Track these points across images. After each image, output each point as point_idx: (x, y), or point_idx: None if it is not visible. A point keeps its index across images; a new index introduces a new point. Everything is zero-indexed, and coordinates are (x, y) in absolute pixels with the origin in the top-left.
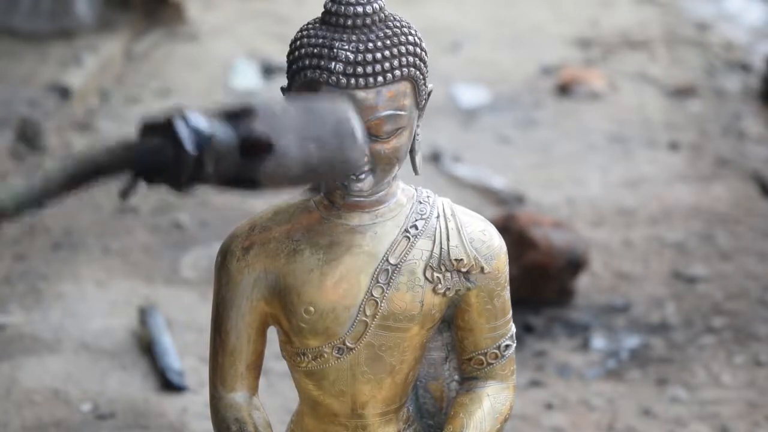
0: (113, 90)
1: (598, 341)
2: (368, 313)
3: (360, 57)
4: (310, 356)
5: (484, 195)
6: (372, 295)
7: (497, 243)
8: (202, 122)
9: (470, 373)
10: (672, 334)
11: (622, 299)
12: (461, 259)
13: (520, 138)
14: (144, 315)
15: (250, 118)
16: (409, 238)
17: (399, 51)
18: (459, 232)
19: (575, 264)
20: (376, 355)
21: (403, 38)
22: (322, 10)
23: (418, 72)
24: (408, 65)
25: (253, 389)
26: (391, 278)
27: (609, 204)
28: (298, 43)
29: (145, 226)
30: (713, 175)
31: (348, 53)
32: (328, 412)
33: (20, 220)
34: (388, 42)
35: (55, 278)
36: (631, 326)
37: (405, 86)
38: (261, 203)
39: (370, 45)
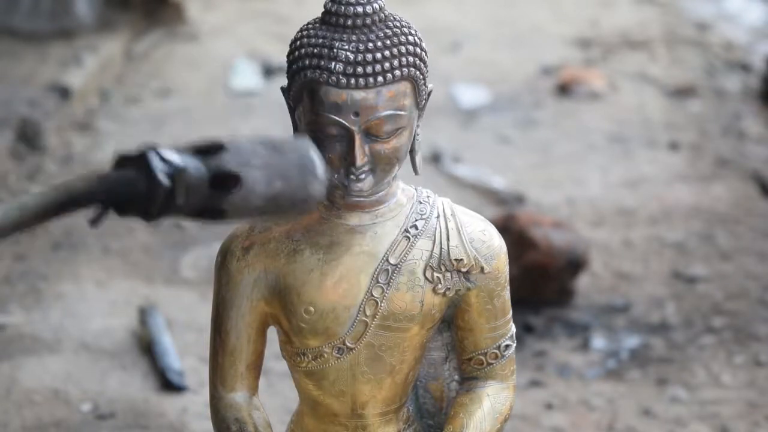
0: (113, 90)
1: (598, 341)
2: (368, 313)
3: (360, 57)
4: (310, 356)
5: (484, 195)
6: (372, 295)
7: (497, 243)
8: (174, 156)
9: (470, 373)
10: (672, 334)
11: (622, 299)
12: (461, 259)
13: (520, 138)
14: (144, 315)
15: (220, 153)
16: (409, 238)
17: (399, 51)
18: (459, 232)
19: (575, 264)
20: (376, 355)
21: (403, 38)
22: (322, 10)
23: (418, 72)
24: (408, 65)
25: (253, 389)
26: (391, 278)
27: (609, 204)
28: (298, 43)
29: (145, 226)
30: (713, 175)
31: (348, 53)
32: (328, 412)
33: None
34: (388, 42)
35: (55, 278)
36: (631, 326)
37: (405, 86)
38: None
39: (370, 45)
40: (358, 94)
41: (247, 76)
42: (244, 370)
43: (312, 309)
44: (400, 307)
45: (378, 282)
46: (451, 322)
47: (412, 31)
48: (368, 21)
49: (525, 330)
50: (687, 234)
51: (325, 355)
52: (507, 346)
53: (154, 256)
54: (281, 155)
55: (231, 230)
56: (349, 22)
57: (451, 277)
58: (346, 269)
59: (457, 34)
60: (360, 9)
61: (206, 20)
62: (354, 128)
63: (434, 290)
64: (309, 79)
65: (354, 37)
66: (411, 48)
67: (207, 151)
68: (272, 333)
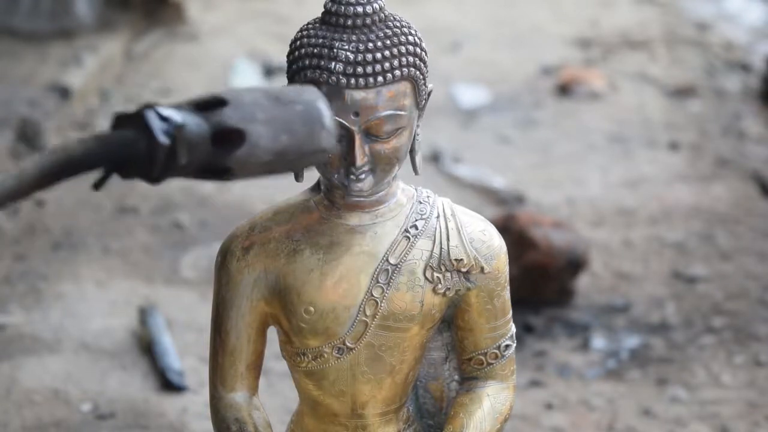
0: (113, 90)
1: (598, 341)
2: (368, 313)
3: (360, 57)
4: (310, 356)
5: (484, 195)
6: (372, 295)
7: (497, 243)
8: (173, 113)
9: (470, 373)
10: (672, 334)
11: (622, 299)
12: (461, 259)
13: (520, 138)
14: (144, 315)
15: (221, 108)
16: (409, 238)
17: (399, 51)
18: (459, 232)
19: (575, 264)
20: (376, 355)
21: (403, 38)
22: (322, 10)
23: (418, 72)
24: (408, 65)
25: (253, 389)
26: (391, 278)
27: (609, 204)
28: (298, 43)
29: (145, 226)
30: (713, 175)
31: (348, 53)
32: (328, 412)
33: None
34: (388, 42)
35: (55, 278)
36: (631, 326)
37: (405, 86)
38: (261, 203)
39: (370, 45)
40: (358, 94)
41: (247, 76)
42: (244, 370)
43: (312, 309)
44: (400, 307)
45: (378, 282)
46: (451, 322)
47: (412, 31)
48: (368, 21)
49: (525, 330)
50: (687, 234)
51: (325, 355)
52: (507, 346)
53: (154, 256)
54: (286, 106)
55: (231, 230)
56: (349, 22)
57: (451, 277)
58: (346, 269)
59: (457, 34)
60: (360, 9)
61: (206, 20)
62: (354, 128)
63: (434, 290)
64: (309, 79)
65: (354, 37)
66: (411, 48)
67: (207, 106)
68: (272, 333)
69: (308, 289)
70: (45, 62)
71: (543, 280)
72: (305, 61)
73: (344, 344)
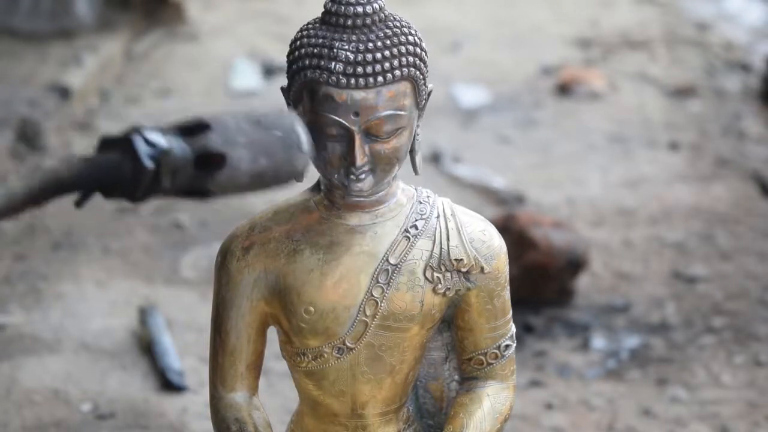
0: (113, 90)
1: (598, 341)
2: (368, 313)
3: (360, 57)
4: (310, 356)
5: (484, 195)
6: (372, 295)
7: (497, 243)
8: (158, 138)
9: (470, 373)
10: (672, 334)
11: (622, 299)
12: (461, 259)
13: (520, 138)
14: (144, 315)
15: (205, 133)
16: (409, 238)
17: (399, 51)
18: (459, 232)
19: (575, 264)
20: (376, 355)
21: (403, 38)
22: (322, 10)
23: (418, 72)
24: (408, 65)
25: (253, 389)
26: (391, 278)
27: (609, 204)
28: (298, 43)
29: (145, 226)
30: (713, 175)
31: (348, 53)
32: (328, 412)
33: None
34: (388, 42)
35: (55, 278)
36: (631, 326)
37: (405, 86)
38: (261, 203)
39: (370, 45)
40: (358, 94)
41: (247, 76)
42: (244, 370)
43: (312, 309)
44: (400, 307)
45: (378, 282)
46: (451, 322)
47: (412, 31)
48: (368, 21)
49: (525, 330)
50: (687, 234)
51: (325, 355)
52: (507, 346)
53: (154, 256)
54: (266, 131)
55: (231, 230)
56: (349, 22)
57: (451, 277)
58: (346, 269)
59: (457, 34)
60: (360, 9)
61: (206, 20)
62: (354, 128)
63: (434, 290)
64: (309, 79)
65: (354, 37)
66: (411, 48)
67: (192, 130)
68: (272, 333)
69: (308, 289)
70: (45, 62)
71: (543, 280)
72: (305, 61)
73: (344, 344)
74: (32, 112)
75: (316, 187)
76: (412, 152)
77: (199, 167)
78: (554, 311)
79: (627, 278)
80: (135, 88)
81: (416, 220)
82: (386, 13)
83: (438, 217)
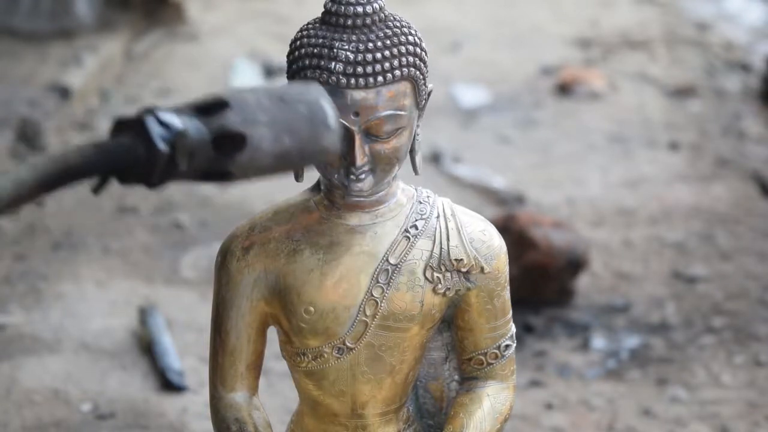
0: (113, 90)
1: (598, 341)
2: (368, 313)
3: (360, 57)
4: (310, 356)
5: (484, 195)
6: (372, 295)
7: (497, 243)
8: (173, 119)
9: (470, 373)
10: (672, 334)
11: (622, 299)
12: (461, 259)
13: (520, 138)
14: (144, 315)
15: (223, 111)
16: (409, 238)
17: (399, 51)
18: (459, 232)
19: (575, 264)
20: (376, 355)
21: (403, 38)
22: (322, 10)
23: (418, 72)
24: (408, 65)
25: (253, 389)
26: (391, 278)
27: (609, 204)
28: (298, 43)
29: (145, 226)
30: (713, 175)
31: (348, 53)
32: (328, 412)
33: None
34: (388, 42)
35: (55, 278)
36: (631, 326)
37: (405, 86)
38: (261, 203)
39: (370, 45)
40: (358, 94)
41: (247, 76)
42: (244, 370)
43: (312, 309)
44: (400, 307)
45: (378, 282)
46: (451, 322)
47: (412, 31)
48: (368, 21)
49: (525, 330)
50: (687, 234)
51: (325, 355)
52: (507, 346)
53: (154, 256)
54: (289, 107)
55: (231, 230)
56: (349, 22)
57: (451, 277)
58: (346, 269)
59: (457, 34)
60: (360, 9)
61: (206, 20)
62: (354, 128)
63: (434, 290)
64: (309, 79)
65: (354, 37)
66: (411, 48)
67: (209, 109)
68: (272, 333)
69: (308, 289)
70: (45, 62)
71: (543, 280)
72: (305, 61)
73: (344, 344)
74: (32, 112)
75: (316, 187)
76: (412, 152)
77: (217, 148)
78: (554, 311)
79: (627, 278)
80: (135, 88)
81: (416, 220)
82: (386, 13)
83: (438, 217)
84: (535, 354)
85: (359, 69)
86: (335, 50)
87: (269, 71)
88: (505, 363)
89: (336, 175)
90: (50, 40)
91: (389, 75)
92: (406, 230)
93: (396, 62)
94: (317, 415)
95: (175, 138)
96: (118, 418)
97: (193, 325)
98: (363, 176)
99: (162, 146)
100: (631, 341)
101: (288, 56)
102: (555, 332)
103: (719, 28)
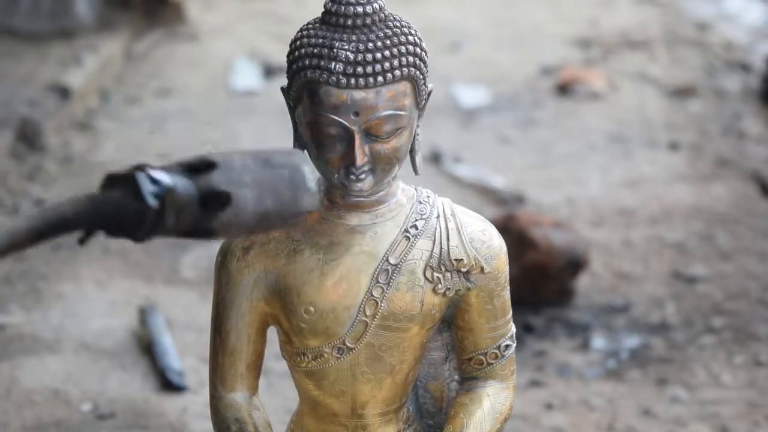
0: (113, 90)
1: (598, 341)
2: (368, 313)
3: (360, 57)
4: (310, 356)
5: (484, 195)
6: (372, 295)
7: (497, 243)
8: (163, 176)
9: (470, 373)
10: (672, 334)
11: (622, 299)
12: (461, 259)
13: (520, 138)
14: (144, 315)
15: (210, 172)
16: (409, 238)
17: (399, 51)
18: (459, 232)
19: (575, 264)
20: (376, 355)
21: (403, 38)
22: (322, 10)
23: (418, 72)
24: (408, 65)
25: (253, 389)
26: (391, 278)
27: (609, 204)
28: (298, 43)
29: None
30: (713, 175)
31: (348, 53)
32: (328, 412)
33: None
34: (388, 42)
35: (55, 278)
36: (631, 326)
37: (405, 86)
38: None
39: (370, 45)
40: (358, 94)
41: (247, 76)
42: (244, 370)
43: (312, 309)
44: (400, 307)
45: (378, 282)
46: (451, 322)
47: (412, 31)
48: (368, 21)
49: (525, 330)
50: (687, 234)
51: (325, 355)
52: (507, 346)
53: (154, 256)
54: (272, 170)
55: None
56: (349, 22)
57: (451, 277)
58: (346, 269)
59: (457, 34)
60: (360, 9)
61: (206, 20)
62: (354, 128)
63: (434, 290)
64: (309, 79)
65: (354, 37)
66: (411, 48)
67: (197, 168)
68: (272, 333)
69: (308, 289)
70: (45, 62)
71: (543, 280)
72: (305, 61)
73: (344, 344)
74: (32, 112)
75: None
76: (412, 152)
77: (203, 206)
78: (554, 311)
79: (627, 278)
80: (135, 88)
81: (416, 220)
82: (386, 13)
83: (438, 217)
84: (535, 354)
85: (359, 69)
86: (335, 50)
87: (269, 71)
88: (505, 363)
89: (336, 175)
90: (50, 40)
91: (389, 75)
92: (406, 230)
93: (396, 62)
94: (317, 415)
95: (165, 194)
96: (118, 418)
97: (193, 325)
98: (363, 176)
99: (152, 202)
100: (631, 341)
101: (288, 56)
102: (555, 332)
103: (719, 28)
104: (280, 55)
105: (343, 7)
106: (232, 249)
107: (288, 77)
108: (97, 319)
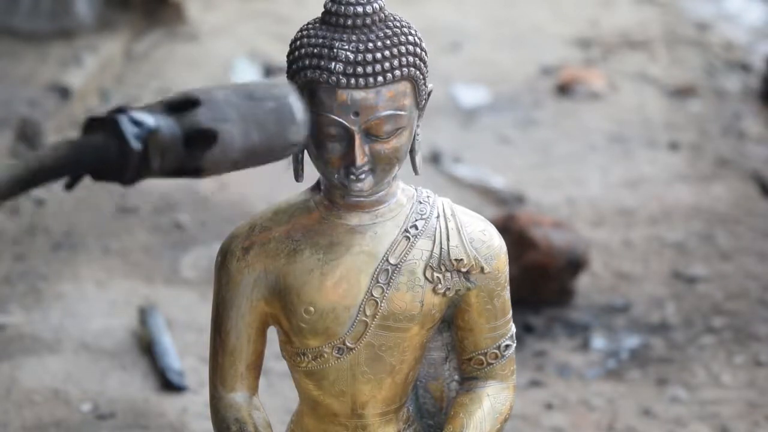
0: (113, 90)
1: (598, 341)
2: (368, 313)
3: (360, 57)
4: (310, 356)
5: (484, 195)
6: (372, 295)
7: (497, 243)
8: (145, 117)
9: (470, 373)
10: (672, 334)
11: (622, 299)
12: (461, 259)
13: (520, 138)
14: (144, 315)
15: (194, 109)
16: (409, 238)
17: (399, 51)
18: (459, 232)
19: (575, 264)
20: (376, 355)
21: (403, 38)
22: (322, 10)
23: (418, 72)
24: (408, 65)
25: (253, 389)
26: (391, 278)
27: (609, 204)
28: (298, 43)
29: (145, 226)
30: (713, 175)
31: (348, 53)
32: (328, 412)
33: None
34: (388, 42)
35: (55, 278)
36: (631, 326)
37: (405, 86)
38: (261, 203)
39: (370, 45)
40: (358, 94)
41: (247, 76)
42: (244, 370)
43: (312, 309)
44: (400, 307)
45: (378, 282)
46: (451, 322)
47: (412, 31)
48: (368, 21)
49: (525, 330)
50: (687, 234)
51: (325, 355)
52: (507, 346)
53: (154, 256)
54: (258, 103)
55: (231, 230)
56: (349, 22)
57: (451, 277)
58: (346, 269)
59: (457, 34)
60: (360, 9)
61: (206, 20)
62: (354, 128)
63: (434, 290)
64: (309, 79)
65: (354, 37)
66: (411, 48)
67: (180, 107)
68: (272, 333)
69: (308, 289)
70: (45, 62)
71: (543, 280)
72: (305, 61)
73: (344, 344)
74: (32, 112)
75: (316, 187)
76: (412, 152)
77: (189, 145)
78: (554, 311)
79: (627, 278)
80: (135, 88)
81: (416, 220)
82: (386, 13)
83: (438, 217)
84: (535, 354)
85: (359, 69)
86: (335, 50)
87: (269, 71)
88: (505, 363)
89: (336, 175)
90: (50, 40)
91: (389, 75)
92: (406, 230)
93: (396, 62)
94: (317, 415)
95: (148, 136)
96: (118, 418)
97: (193, 325)
98: (363, 176)
99: (135, 144)
100: (631, 341)
101: (288, 56)
102: (555, 332)
103: (719, 28)
104: (280, 55)
105: (343, 7)
106: (232, 249)
107: (288, 77)
108: (97, 319)
